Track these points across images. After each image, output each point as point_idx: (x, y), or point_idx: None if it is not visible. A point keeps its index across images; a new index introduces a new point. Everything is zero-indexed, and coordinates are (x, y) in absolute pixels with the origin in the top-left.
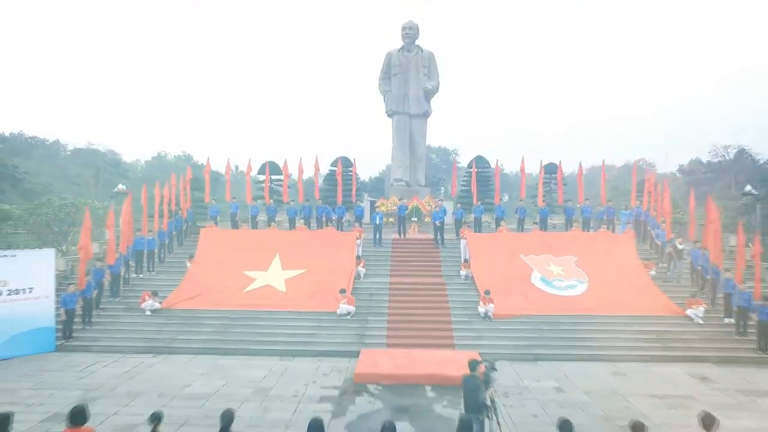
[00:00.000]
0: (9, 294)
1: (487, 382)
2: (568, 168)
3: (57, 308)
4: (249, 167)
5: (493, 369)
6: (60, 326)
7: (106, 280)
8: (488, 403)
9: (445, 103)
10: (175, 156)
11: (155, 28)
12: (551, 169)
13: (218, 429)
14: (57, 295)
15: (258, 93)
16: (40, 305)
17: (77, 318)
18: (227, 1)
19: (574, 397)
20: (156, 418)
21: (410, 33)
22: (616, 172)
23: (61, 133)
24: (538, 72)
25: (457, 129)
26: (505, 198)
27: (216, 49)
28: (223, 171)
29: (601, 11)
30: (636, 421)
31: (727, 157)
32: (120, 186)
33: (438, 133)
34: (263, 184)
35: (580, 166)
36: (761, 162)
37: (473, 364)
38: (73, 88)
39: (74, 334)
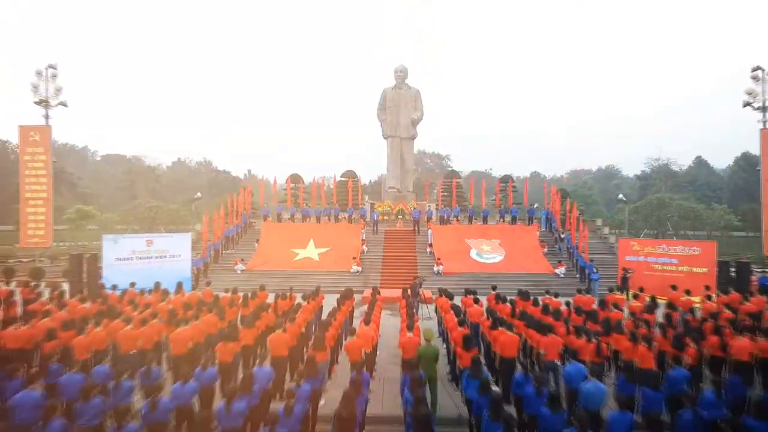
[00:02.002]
0: (170, 257)
1: (420, 285)
2: (550, 171)
3: (192, 267)
4: (288, 180)
5: (423, 280)
6: (192, 278)
7: (212, 252)
8: (419, 290)
9: (446, 104)
10: (196, 162)
11: (171, 38)
12: (505, 179)
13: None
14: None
15: (276, 107)
16: (184, 264)
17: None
18: (246, 16)
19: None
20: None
21: (401, 75)
22: (592, 176)
23: (70, 136)
24: (538, 73)
25: (456, 130)
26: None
27: (238, 62)
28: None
29: (600, 12)
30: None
31: (660, 166)
32: (198, 194)
33: (435, 138)
34: (298, 192)
35: (511, 178)
36: (717, 169)
37: (415, 278)
38: (84, 93)
39: (199, 283)
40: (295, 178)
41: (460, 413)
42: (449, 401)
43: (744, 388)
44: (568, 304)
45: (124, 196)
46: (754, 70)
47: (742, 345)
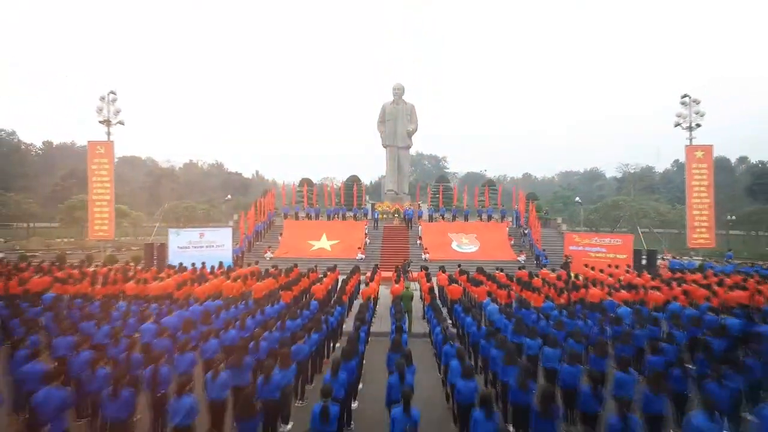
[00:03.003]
0: (216, 247)
1: (409, 264)
2: (542, 173)
3: (233, 254)
4: (305, 184)
5: (410, 262)
6: (233, 263)
7: (247, 243)
8: (408, 269)
9: (445, 105)
10: (208, 164)
11: (172, 40)
12: (484, 184)
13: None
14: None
15: (275, 107)
16: (227, 252)
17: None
18: (255, 26)
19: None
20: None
21: (398, 92)
22: (579, 177)
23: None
24: (538, 73)
25: (456, 130)
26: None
27: (238, 62)
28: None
29: (600, 12)
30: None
31: (631, 171)
32: (228, 196)
33: (434, 138)
34: (312, 195)
35: (486, 186)
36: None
37: (404, 260)
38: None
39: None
40: (308, 182)
41: (425, 332)
42: (420, 327)
43: (592, 317)
44: (507, 275)
45: (146, 196)
46: (682, 97)
47: (593, 293)
